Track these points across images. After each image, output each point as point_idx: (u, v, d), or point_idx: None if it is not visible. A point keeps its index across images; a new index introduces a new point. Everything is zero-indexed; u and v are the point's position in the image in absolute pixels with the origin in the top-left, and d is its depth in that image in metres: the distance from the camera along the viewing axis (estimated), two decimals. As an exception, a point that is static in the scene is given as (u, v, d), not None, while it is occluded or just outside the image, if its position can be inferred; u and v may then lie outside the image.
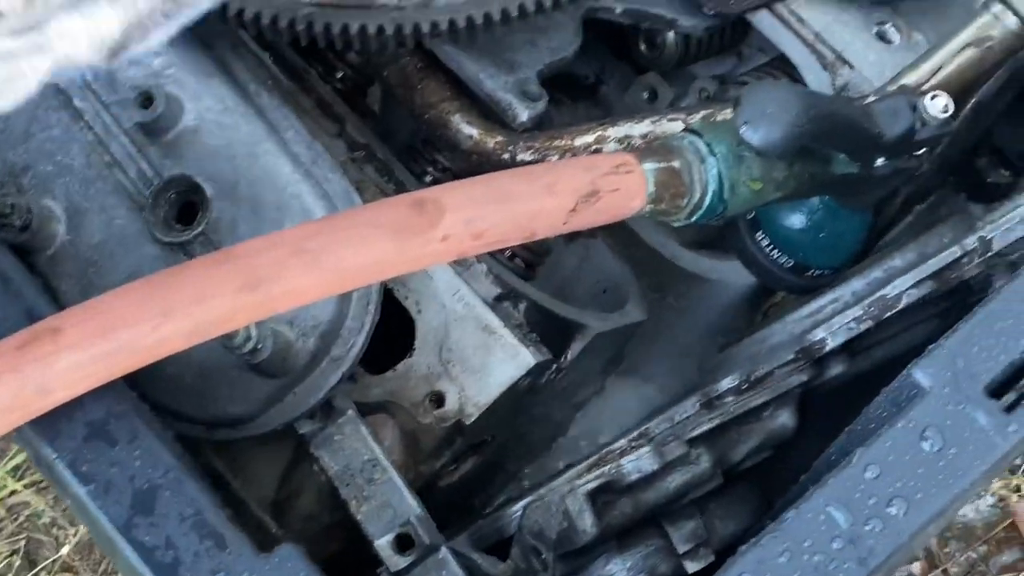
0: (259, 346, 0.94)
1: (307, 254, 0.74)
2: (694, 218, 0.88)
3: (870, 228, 1.08)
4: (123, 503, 0.72)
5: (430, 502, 1.02)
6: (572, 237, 1.24)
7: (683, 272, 1.23)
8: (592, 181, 0.81)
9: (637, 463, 0.88)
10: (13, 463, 1.33)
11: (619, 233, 1.24)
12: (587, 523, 0.87)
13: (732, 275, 1.20)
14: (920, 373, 0.76)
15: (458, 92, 1.08)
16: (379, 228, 0.75)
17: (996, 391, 0.76)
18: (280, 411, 1.00)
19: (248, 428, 1.00)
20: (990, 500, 1.37)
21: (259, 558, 0.71)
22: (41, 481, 1.33)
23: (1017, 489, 1.36)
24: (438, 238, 0.76)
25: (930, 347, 0.77)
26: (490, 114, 1.07)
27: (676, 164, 0.86)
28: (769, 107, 0.85)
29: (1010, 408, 0.75)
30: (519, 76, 1.07)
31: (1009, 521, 1.34)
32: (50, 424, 0.72)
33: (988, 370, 0.76)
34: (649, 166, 0.84)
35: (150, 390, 0.96)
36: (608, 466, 0.89)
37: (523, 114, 1.05)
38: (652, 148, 0.86)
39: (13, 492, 1.32)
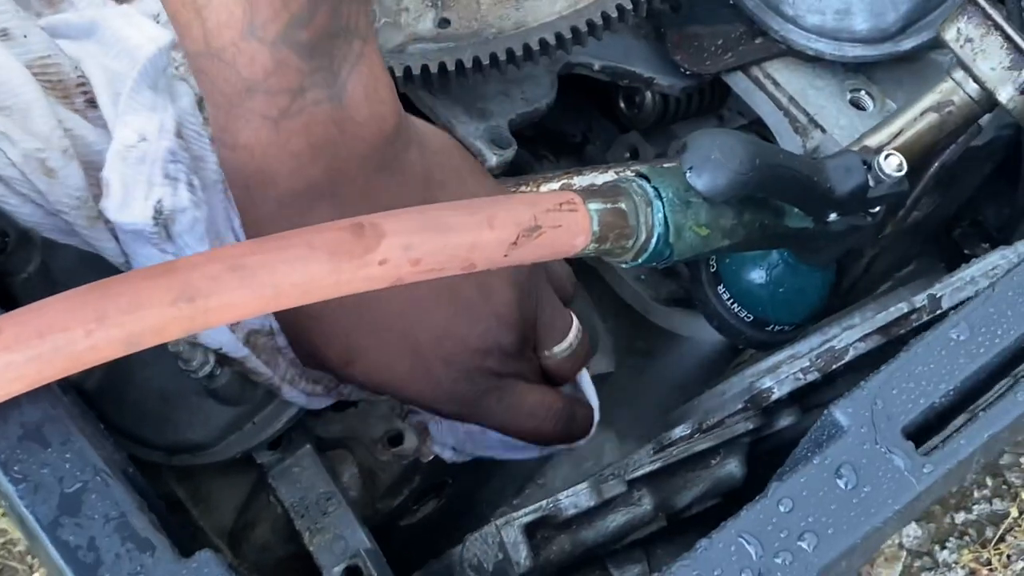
0: (216, 372, 0.96)
1: (244, 269, 0.76)
2: (640, 260, 0.90)
3: (831, 286, 1.10)
4: (51, 503, 0.73)
5: (392, 542, 1.04)
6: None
7: (655, 327, 1.25)
8: (534, 216, 0.83)
9: (574, 499, 0.89)
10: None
11: (595, 287, 1.26)
12: (521, 555, 0.88)
13: (702, 331, 1.22)
14: (839, 412, 0.77)
15: (430, 137, 1.11)
16: (316, 249, 0.77)
17: (913, 433, 0.77)
18: (239, 439, 1.02)
19: (207, 455, 1.02)
20: (960, 573, 1.37)
21: (179, 562, 0.73)
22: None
23: (988, 563, 1.36)
24: (375, 262, 0.78)
25: (853, 389, 0.78)
26: (461, 158, 1.10)
27: (622, 205, 0.88)
28: (714, 153, 0.87)
29: (926, 450, 0.76)
30: (490, 124, 1.10)
31: (979, 594, 1.34)
32: (-14, 424, 0.74)
33: (906, 412, 0.77)
34: (594, 206, 0.86)
35: (112, 414, 0.99)
36: (546, 500, 0.90)
37: (492, 159, 1.08)
38: (599, 189, 0.88)
39: (-13, 518, 1.35)
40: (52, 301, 0.75)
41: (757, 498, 0.75)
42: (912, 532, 1.38)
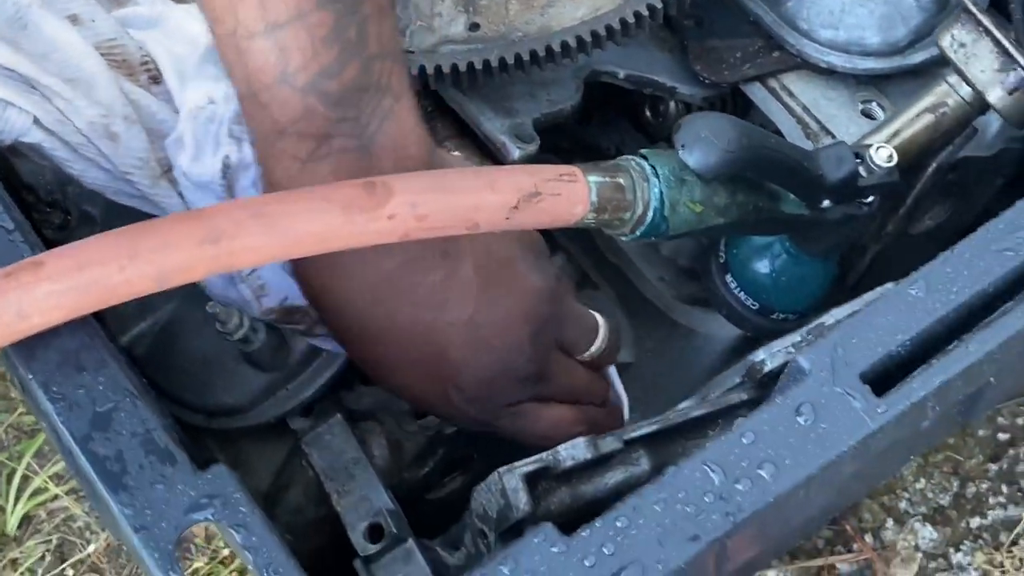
0: (250, 335, 1.04)
1: (265, 217, 0.84)
2: (639, 232, 0.97)
3: (833, 277, 1.16)
4: (84, 420, 0.82)
5: (421, 515, 1.11)
6: (578, 286, 1.34)
7: (676, 324, 1.32)
8: (535, 184, 0.91)
9: (572, 451, 0.96)
10: (54, 469, 1.45)
11: (619, 285, 1.34)
12: (521, 500, 0.94)
13: (720, 328, 1.29)
14: (802, 358, 0.84)
15: (460, 132, 1.19)
16: (332, 202, 0.86)
17: (871, 379, 0.83)
18: (273, 404, 1.10)
19: (243, 418, 1.11)
20: (973, 574, 1.41)
21: (195, 474, 0.81)
22: (79, 490, 1.44)
23: (1000, 565, 1.41)
24: (384, 216, 0.86)
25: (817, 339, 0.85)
26: (489, 153, 1.18)
27: (621, 180, 0.95)
28: (704, 132, 0.95)
29: (881, 393, 0.82)
30: (515, 120, 1.18)
31: (991, 596, 1.39)
32: (29, 349, 0.83)
33: (865, 358, 0.83)
34: (594, 178, 0.94)
35: (159, 378, 1.08)
36: (546, 453, 0.96)
37: (515, 153, 1.16)
38: (599, 165, 0.95)
39: (55, 497, 1.44)
40: (91, 240, 0.84)
41: (722, 432, 0.82)
42: (928, 535, 1.43)
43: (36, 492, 1.44)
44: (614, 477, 1.00)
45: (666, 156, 0.98)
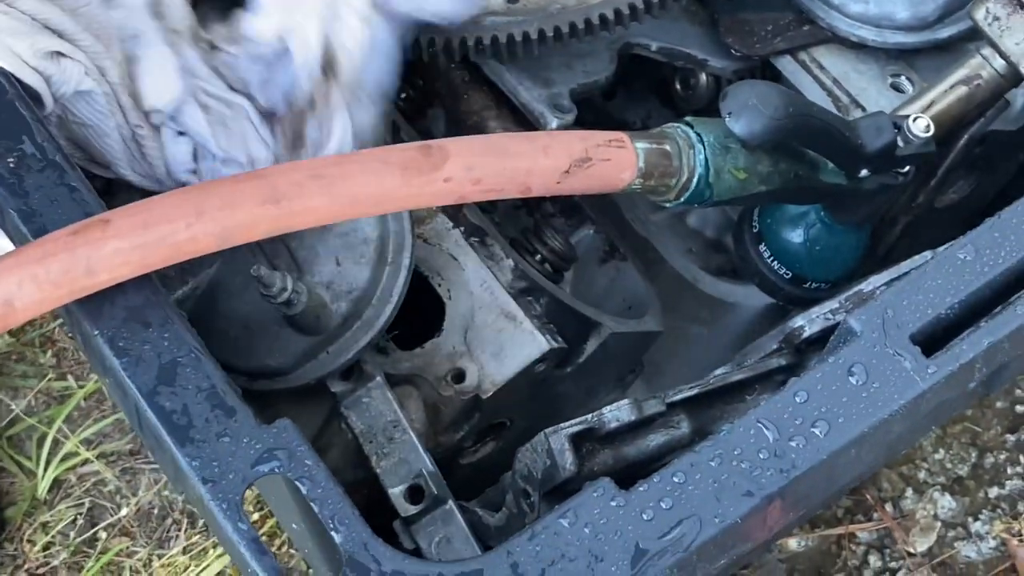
0: (293, 298, 1.05)
1: (324, 179, 0.86)
2: (683, 198, 0.98)
3: (865, 247, 1.18)
4: (150, 374, 0.83)
5: (452, 478, 1.13)
6: (605, 259, 1.35)
7: (704, 295, 1.34)
8: (586, 149, 0.93)
9: (616, 412, 0.98)
10: (86, 434, 1.46)
11: (647, 257, 1.35)
12: (567, 460, 0.96)
13: (748, 299, 1.31)
14: (853, 320, 0.86)
15: (498, 102, 1.21)
16: (389, 164, 0.87)
17: (920, 341, 0.85)
18: (314, 367, 1.11)
19: (285, 380, 1.12)
20: (992, 543, 1.43)
21: (260, 427, 0.82)
22: (111, 453, 1.45)
23: (1019, 533, 1.43)
24: (441, 179, 0.88)
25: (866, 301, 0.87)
26: (525, 123, 1.19)
27: (667, 147, 0.97)
28: (751, 100, 0.96)
29: (931, 354, 0.84)
30: (552, 91, 1.19)
31: (1009, 564, 1.41)
32: (95, 306, 0.84)
33: (915, 320, 0.85)
34: (641, 145, 0.95)
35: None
36: (591, 415, 0.98)
37: (552, 122, 1.17)
38: (646, 132, 0.97)
39: (86, 461, 1.46)
40: (156, 199, 0.85)
41: (775, 391, 0.84)
42: (947, 504, 1.45)
43: (67, 456, 1.45)
44: (656, 439, 1.02)
45: (711, 124, 0.99)
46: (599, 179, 0.94)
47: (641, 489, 0.82)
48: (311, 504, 0.80)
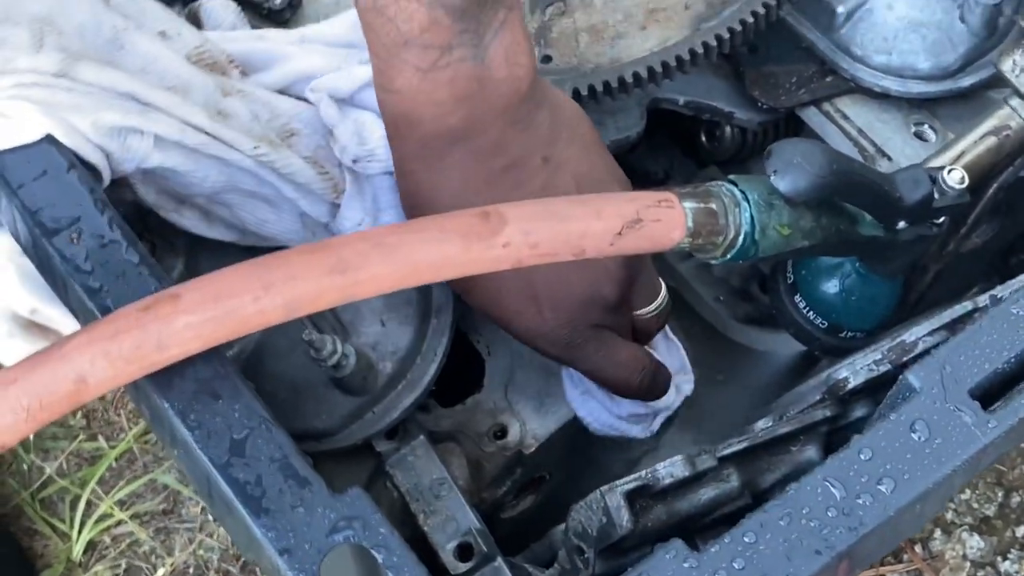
0: (343, 361, 1.06)
1: (387, 247, 0.87)
2: (729, 255, 1.00)
3: (899, 296, 1.20)
4: (222, 447, 0.84)
5: (495, 533, 1.13)
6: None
7: (733, 343, 1.36)
8: (636, 211, 0.94)
9: (670, 468, 0.99)
10: (119, 496, 1.47)
11: (677, 306, 1.37)
12: (623, 518, 0.97)
13: (779, 346, 1.33)
14: (912, 376, 0.87)
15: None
16: (449, 232, 0.89)
17: (979, 395, 0.86)
18: (360, 427, 1.12)
19: (331, 441, 1.13)
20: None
21: (334, 497, 0.83)
22: (144, 514, 1.46)
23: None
24: (500, 244, 0.89)
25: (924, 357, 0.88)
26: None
27: (713, 206, 0.98)
28: (796, 158, 0.98)
29: (991, 408, 0.86)
30: (587, 146, 1.21)
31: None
32: (165, 380, 0.85)
33: (973, 375, 0.87)
34: (689, 204, 0.97)
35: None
36: (645, 471, 0.99)
37: (587, 176, 1.18)
38: (692, 191, 0.98)
39: (120, 522, 1.46)
40: (224, 272, 0.86)
41: (840, 449, 0.85)
42: (976, 544, 1.47)
43: (101, 518, 1.45)
44: (707, 493, 1.03)
45: (754, 181, 1.01)
46: (649, 240, 0.96)
47: (713, 550, 0.83)
48: (387, 573, 0.81)
